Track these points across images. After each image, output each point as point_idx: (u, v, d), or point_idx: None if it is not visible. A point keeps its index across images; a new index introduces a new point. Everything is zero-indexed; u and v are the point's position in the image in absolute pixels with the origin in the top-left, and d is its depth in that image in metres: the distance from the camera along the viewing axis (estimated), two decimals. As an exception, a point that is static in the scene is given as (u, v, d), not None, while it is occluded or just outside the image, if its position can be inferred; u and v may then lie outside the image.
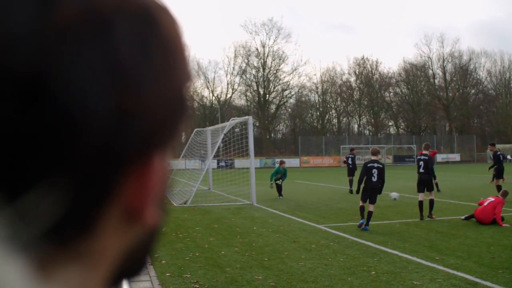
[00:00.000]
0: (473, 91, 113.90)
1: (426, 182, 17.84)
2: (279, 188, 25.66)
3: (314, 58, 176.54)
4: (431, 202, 17.69)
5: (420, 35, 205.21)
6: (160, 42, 0.50)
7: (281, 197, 25.11)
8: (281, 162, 26.49)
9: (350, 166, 29.02)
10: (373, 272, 10.00)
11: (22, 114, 0.40)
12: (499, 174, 24.79)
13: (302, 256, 11.51)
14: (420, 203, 17.64)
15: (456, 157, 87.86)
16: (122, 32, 0.47)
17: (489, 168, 26.77)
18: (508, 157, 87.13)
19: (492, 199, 16.79)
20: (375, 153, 16.60)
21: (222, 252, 11.90)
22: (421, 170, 18.02)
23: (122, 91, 0.45)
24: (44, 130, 0.41)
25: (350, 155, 29.49)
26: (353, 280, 9.52)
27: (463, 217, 17.05)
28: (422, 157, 18.18)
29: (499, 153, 25.29)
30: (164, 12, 0.52)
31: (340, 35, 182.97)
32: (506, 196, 17.41)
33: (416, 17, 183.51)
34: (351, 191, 27.23)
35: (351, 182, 28.05)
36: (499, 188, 23.21)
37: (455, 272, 9.97)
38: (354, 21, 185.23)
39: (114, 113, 0.45)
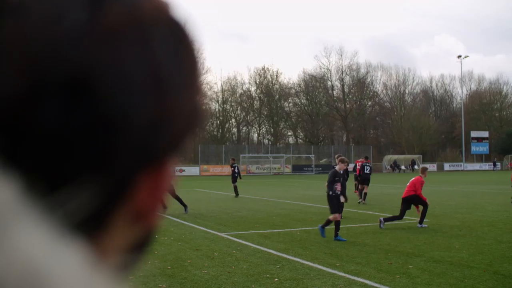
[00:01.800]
0: (369, 103, 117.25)
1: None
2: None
3: (215, 67, 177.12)
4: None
5: (320, 47, 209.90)
6: (187, 54, 0.52)
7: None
8: None
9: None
10: (276, 279, 10.08)
11: (68, 112, 0.41)
12: (361, 182, 28.05)
13: (205, 264, 11.48)
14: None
15: (352, 167, 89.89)
16: (161, 39, 0.48)
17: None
18: (402, 167, 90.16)
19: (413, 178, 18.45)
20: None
21: (124, 260, 11.71)
22: None
23: (159, 96, 0.47)
24: (87, 129, 0.42)
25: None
26: (257, 287, 9.57)
27: (382, 221, 17.66)
28: None
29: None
30: (186, 25, 0.53)
31: (237, 44, 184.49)
32: (424, 172, 18.88)
33: (315, 30, 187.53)
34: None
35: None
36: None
37: (356, 278, 10.19)
38: (251, 30, 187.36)
39: (151, 117, 0.46)
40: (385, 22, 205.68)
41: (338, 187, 15.39)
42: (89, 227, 0.44)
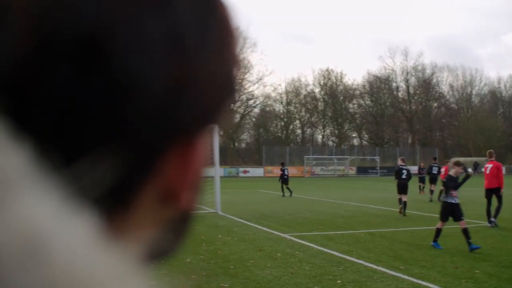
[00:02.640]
0: (435, 104, 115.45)
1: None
2: None
3: (279, 68, 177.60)
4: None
5: (383, 48, 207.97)
6: (216, 21, 0.49)
7: None
8: None
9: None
10: (339, 281, 10.01)
11: (80, 75, 0.39)
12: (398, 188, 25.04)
13: (268, 264, 11.49)
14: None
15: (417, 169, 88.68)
16: (183, 4, 0.46)
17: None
18: (469, 170, 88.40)
19: (490, 165, 19.26)
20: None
21: (188, 260, 11.81)
22: None
23: (179, 63, 0.44)
24: (100, 93, 0.40)
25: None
26: (319, 288, 9.53)
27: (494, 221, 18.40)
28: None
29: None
30: None
31: (301, 46, 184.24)
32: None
33: (378, 31, 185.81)
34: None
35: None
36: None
37: (420, 282, 10.03)
38: (314, 32, 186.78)
39: (169, 85, 0.44)
40: (448, 22, 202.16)
41: (454, 193, 14.87)
42: (109, 203, 0.42)
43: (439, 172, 28.05)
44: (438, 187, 27.41)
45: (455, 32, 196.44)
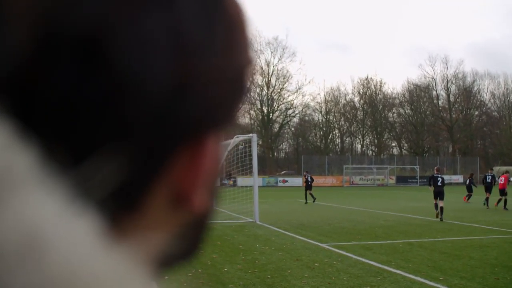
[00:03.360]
0: (476, 112, 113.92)
1: None
2: None
3: (318, 77, 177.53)
4: None
5: (422, 56, 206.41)
6: (224, 20, 0.49)
7: None
8: None
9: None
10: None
11: (84, 75, 0.39)
12: (435, 195, 25.34)
13: (305, 274, 11.47)
14: None
15: (459, 178, 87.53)
16: (187, 3, 0.45)
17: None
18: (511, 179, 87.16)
19: None
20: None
21: (225, 269, 11.86)
22: None
23: (182, 62, 0.44)
24: (103, 92, 0.40)
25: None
26: (357, 299, 9.48)
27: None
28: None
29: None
30: None
31: (340, 55, 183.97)
32: None
33: (416, 38, 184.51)
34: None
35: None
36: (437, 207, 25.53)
37: (459, 293, 9.93)
38: (352, 40, 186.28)
39: (173, 83, 0.43)
40: (486, 28, 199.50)
41: None
42: (116, 204, 0.41)
43: (443, 184, 27.83)
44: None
45: (493, 38, 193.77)
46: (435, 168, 28.73)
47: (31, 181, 0.36)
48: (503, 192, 30.94)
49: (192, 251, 0.54)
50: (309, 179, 37.89)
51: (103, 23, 0.40)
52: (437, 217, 24.12)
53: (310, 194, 36.81)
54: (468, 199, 37.08)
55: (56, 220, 0.36)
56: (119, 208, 0.42)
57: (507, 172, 33.41)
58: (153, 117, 0.42)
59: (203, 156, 0.47)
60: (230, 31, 0.49)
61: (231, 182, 32.44)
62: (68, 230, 0.36)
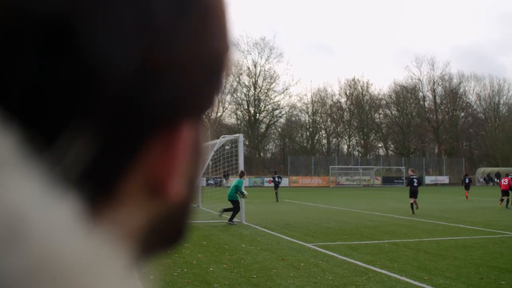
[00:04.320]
0: (462, 114, 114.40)
1: None
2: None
3: (305, 78, 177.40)
4: None
5: (408, 58, 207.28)
6: (199, 5, 0.47)
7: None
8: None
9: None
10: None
11: (50, 58, 0.38)
12: (410, 194, 29.06)
13: (290, 274, 11.47)
14: None
15: (444, 179, 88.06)
16: None
17: None
18: (496, 180, 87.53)
19: None
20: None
21: (211, 269, 11.84)
22: None
23: (151, 45, 0.42)
24: (69, 77, 0.39)
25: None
26: (342, 298, 9.49)
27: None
28: None
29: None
30: None
31: (326, 57, 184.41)
32: None
33: (402, 40, 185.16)
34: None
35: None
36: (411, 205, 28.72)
37: (444, 292, 9.96)
38: (338, 42, 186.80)
39: (142, 68, 0.42)
40: (470, 31, 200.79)
41: None
42: (90, 188, 0.41)
43: (419, 184, 30.66)
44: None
45: (479, 41, 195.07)
46: (410, 169, 32.63)
47: (10, 165, 0.35)
48: (506, 193, 33.17)
49: (172, 240, 0.53)
50: (277, 179, 41.88)
51: (69, 5, 0.39)
52: (413, 213, 27.71)
53: (276, 193, 40.40)
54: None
55: (36, 203, 0.35)
56: (93, 193, 0.41)
57: (507, 174, 35.60)
58: (122, 101, 0.41)
59: (178, 143, 0.46)
60: (205, 17, 0.48)
61: (229, 181, 32.51)
62: (49, 213, 0.36)
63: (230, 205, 22.54)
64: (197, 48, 0.47)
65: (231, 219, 21.86)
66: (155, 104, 0.43)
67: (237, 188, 22.53)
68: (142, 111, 0.43)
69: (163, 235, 0.51)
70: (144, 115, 0.43)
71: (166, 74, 0.44)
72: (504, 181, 34.05)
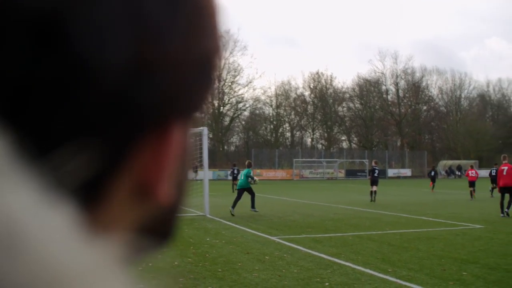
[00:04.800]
0: (425, 107, 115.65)
1: None
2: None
3: (269, 71, 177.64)
4: None
5: (372, 52, 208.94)
6: (189, 4, 0.46)
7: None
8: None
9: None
10: (326, 284, 10.01)
11: (36, 58, 0.37)
12: (371, 183, 32.64)
13: (255, 267, 11.48)
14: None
15: (407, 172, 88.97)
16: None
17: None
18: (457, 173, 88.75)
19: (506, 167, 23.41)
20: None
21: (176, 263, 11.79)
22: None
23: (142, 41, 0.41)
24: (56, 76, 0.37)
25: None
26: (307, 291, 9.53)
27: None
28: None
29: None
30: None
31: (290, 50, 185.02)
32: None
33: (366, 35, 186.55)
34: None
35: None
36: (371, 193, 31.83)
37: (408, 284, 10.05)
38: (301, 35, 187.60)
39: (131, 67, 0.41)
40: (433, 25, 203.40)
41: None
42: (79, 194, 0.39)
43: (379, 174, 34.00)
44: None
45: (441, 35, 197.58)
46: (374, 161, 36.31)
47: (3, 171, 0.34)
48: (473, 184, 34.85)
49: (161, 241, 0.53)
50: (235, 171, 42.18)
51: (57, 1, 0.37)
52: (371, 201, 30.72)
53: (234, 184, 39.69)
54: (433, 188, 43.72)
55: (31, 211, 0.34)
56: (85, 198, 0.40)
57: (472, 166, 38.95)
58: (114, 99, 0.40)
59: (168, 145, 0.45)
60: (196, 16, 0.47)
61: (197, 175, 32.67)
62: (46, 220, 0.35)
63: (233, 197, 24.73)
64: (189, 46, 0.46)
65: (253, 206, 24.10)
66: (145, 105, 0.42)
67: (248, 177, 24.61)
68: (133, 110, 0.42)
69: (153, 236, 0.50)
70: (133, 115, 0.42)
71: (158, 72, 0.43)
72: (472, 173, 35.89)
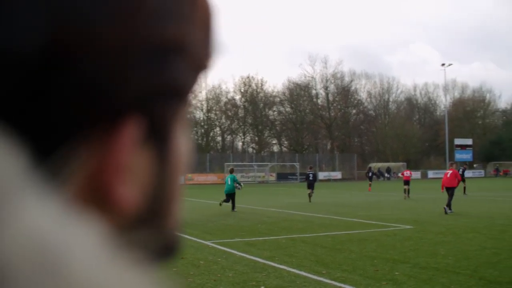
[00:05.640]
0: (354, 111, 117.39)
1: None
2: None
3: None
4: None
5: (303, 56, 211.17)
6: None
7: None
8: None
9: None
10: (262, 287, 10.02)
11: None
12: (307, 186, 35.70)
13: (190, 272, 11.41)
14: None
15: (337, 175, 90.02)
16: None
17: None
18: (386, 175, 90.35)
19: (450, 171, 27.04)
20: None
21: (109, 269, 11.61)
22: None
23: (59, 23, 0.36)
24: None
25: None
26: (243, 294, 9.52)
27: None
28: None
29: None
30: None
31: (220, 54, 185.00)
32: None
33: (296, 40, 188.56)
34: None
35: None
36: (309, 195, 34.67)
37: (342, 285, 10.16)
38: (235, 40, 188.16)
39: (49, 49, 0.36)
40: (361, 31, 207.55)
41: None
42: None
43: (314, 179, 36.95)
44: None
45: (366, 40, 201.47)
46: (309, 166, 41.58)
47: (25, 188, 0.32)
48: (408, 183, 38.38)
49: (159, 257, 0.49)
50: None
51: None
52: (310, 201, 33.67)
53: None
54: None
55: (60, 227, 0.33)
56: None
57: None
58: (28, 92, 0.36)
59: (119, 143, 0.41)
60: None
61: None
62: (74, 236, 0.33)
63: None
64: (131, 30, 0.40)
65: (234, 208, 26.85)
66: (78, 95, 0.38)
67: (235, 181, 27.42)
68: (63, 103, 0.37)
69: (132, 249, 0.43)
70: (68, 108, 0.38)
71: (85, 59, 0.38)
72: (407, 173, 40.03)
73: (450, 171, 27.49)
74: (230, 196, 27.14)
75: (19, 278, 0.30)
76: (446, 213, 24.75)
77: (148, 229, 0.46)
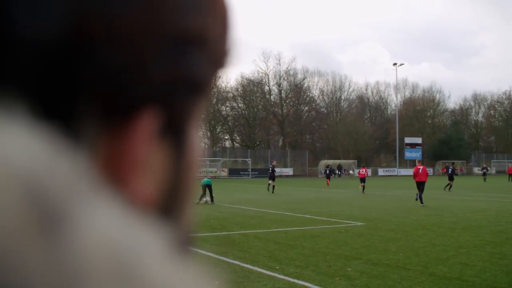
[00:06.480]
0: (306, 108, 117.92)
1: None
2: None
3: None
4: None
5: (258, 52, 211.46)
6: None
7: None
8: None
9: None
10: (216, 282, 10.02)
11: None
12: (269, 178, 41.39)
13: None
14: None
15: (289, 171, 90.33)
16: None
17: None
18: (337, 172, 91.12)
19: (421, 167, 30.22)
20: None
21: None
22: None
23: (80, 11, 0.36)
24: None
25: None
26: (197, 290, 9.50)
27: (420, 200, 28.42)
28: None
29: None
30: None
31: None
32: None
33: (252, 35, 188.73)
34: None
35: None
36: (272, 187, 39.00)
37: (296, 281, 10.25)
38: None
39: (70, 37, 0.35)
40: (313, 28, 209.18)
41: None
42: None
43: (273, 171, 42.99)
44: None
45: (318, 38, 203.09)
46: (274, 161, 49.20)
47: (89, 189, 0.32)
48: (364, 180, 42.63)
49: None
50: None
51: None
52: (270, 191, 38.90)
53: None
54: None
55: (128, 230, 0.32)
56: None
57: (363, 166, 48.20)
58: (50, 80, 0.35)
59: (135, 135, 0.39)
60: None
61: None
62: (142, 238, 0.33)
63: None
64: (152, 20, 0.40)
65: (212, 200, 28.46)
66: (96, 82, 0.37)
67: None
68: (81, 88, 0.37)
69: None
70: (84, 93, 0.37)
71: (105, 47, 0.37)
72: (362, 171, 44.01)
73: (421, 167, 30.50)
74: (206, 188, 28.08)
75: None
76: (422, 203, 27.86)
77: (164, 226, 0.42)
